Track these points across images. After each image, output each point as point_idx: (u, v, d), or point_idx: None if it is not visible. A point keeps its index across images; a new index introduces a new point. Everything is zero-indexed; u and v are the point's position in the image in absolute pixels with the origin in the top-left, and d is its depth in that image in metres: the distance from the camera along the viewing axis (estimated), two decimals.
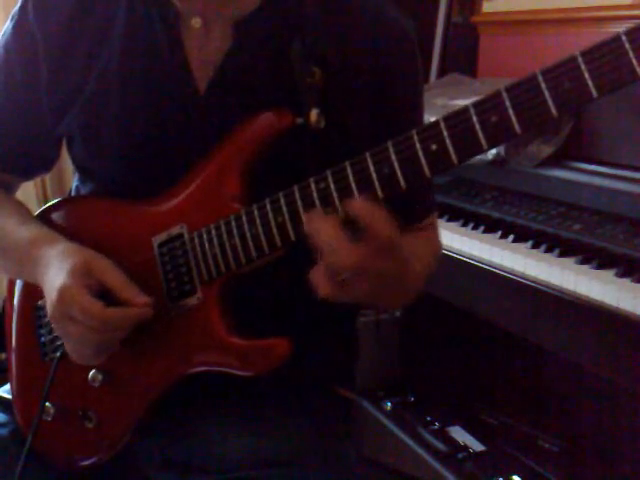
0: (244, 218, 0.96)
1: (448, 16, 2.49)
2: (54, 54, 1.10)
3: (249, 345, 0.98)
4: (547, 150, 1.76)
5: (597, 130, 1.73)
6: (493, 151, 1.79)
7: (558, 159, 1.75)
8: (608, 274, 1.44)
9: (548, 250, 1.59)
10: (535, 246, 1.63)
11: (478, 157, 1.91)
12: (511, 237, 1.69)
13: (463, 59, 2.47)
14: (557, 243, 1.61)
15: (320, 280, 0.86)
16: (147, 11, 1.07)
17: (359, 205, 0.85)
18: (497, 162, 1.81)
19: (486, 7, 2.47)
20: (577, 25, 2.06)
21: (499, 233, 1.73)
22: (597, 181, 1.62)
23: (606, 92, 0.76)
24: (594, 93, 0.76)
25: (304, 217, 0.89)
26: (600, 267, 1.47)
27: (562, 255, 1.55)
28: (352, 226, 0.85)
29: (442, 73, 2.46)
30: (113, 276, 1.00)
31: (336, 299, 0.88)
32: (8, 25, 1.15)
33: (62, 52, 1.10)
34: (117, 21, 1.08)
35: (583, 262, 1.50)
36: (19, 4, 1.14)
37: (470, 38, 2.49)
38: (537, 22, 2.24)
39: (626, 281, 1.40)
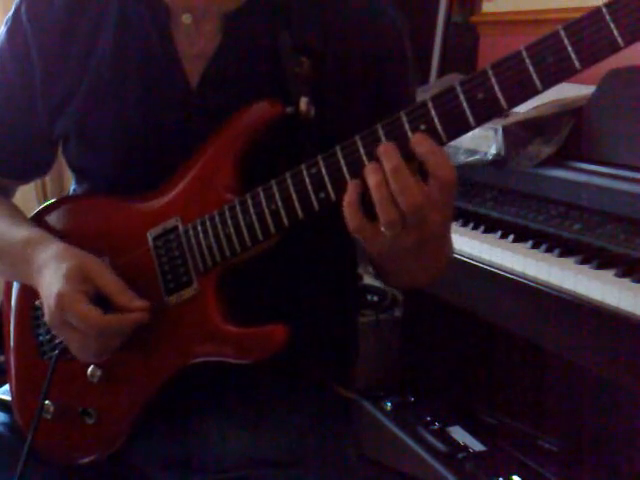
0: (238, 208, 0.97)
1: (448, 16, 2.49)
2: (48, 56, 1.11)
3: (245, 333, 0.99)
4: (547, 150, 1.76)
5: (597, 130, 1.73)
6: (493, 151, 1.79)
7: (558, 159, 1.75)
8: (608, 274, 1.44)
9: (548, 250, 1.59)
10: (535, 246, 1.62)
11: (478, 157, 1.91)
12: (511, 237, 1.69)
13: (463, 59, 2.48)
14: (557, 243, 1.61)
15: (356, 218, 0.87)
16: (138, 9, 1.08)
17: (419, 139, 0.84)
18: (497, 162, 1.81)
19: (486, 7, 2.47)
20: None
21: (499, 233, 1.73)
22: (597, 181, 1.62)
23: (590, 64, 0.78)
24: (577, 65, 0.78)
25: (366, 169, 0.86)
26: (600, 267, 1.47)
27: (562, 255, 1.55)
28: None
29: (442, 73, 2.46)
30: (109, 281, 1.00)
31: (366, 241, 0.88)
32: (2, 30, 1.16)
33: (56, 54, 1.10)
34: (109, 20, 1.09)
35: (583, 262, 1.50)
36: (12, 8, 1.15)
37: (470, 38, 2.49)
38: (537, 22, 2.24)
39: (626, 281, 1.40)
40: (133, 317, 0.99)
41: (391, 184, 0.84)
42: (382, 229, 0.87)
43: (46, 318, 1.02)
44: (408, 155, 0.85)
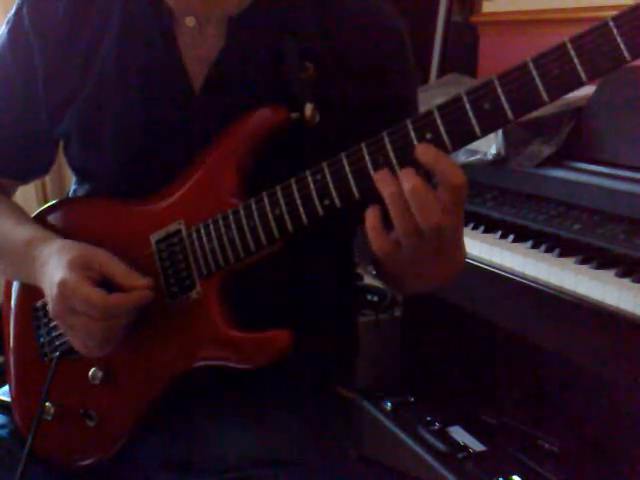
0: (242, 212, 0.96)
1: (448, 16, 2.49)
2: (50, 57, 1.11)
3: (249, 338, 0.99)
4: (547, 150, 1.76)
5: (597, 130, 1.73)
6: (493, 151, 1.79)
7: (558, 159, 1.75)
8: (608, 274, 1.44)
9: (548, 250, 1.59)
10: (535, 246, 1.62)
11: (478, 157, 1.91)
12: (511, 237, 1.69)
13: (463, 59, 2.48)
14: (557, 243, 1.60)
15: (379, 236, 0.87)
16: (142, 11, 1.08)
17: (423, 149, 0.84)
18: (497, 162, 1.81)
19: (486, 7, 2.47)
20: (577, 25, 2.06)
21: (499, 233, 1.73)
22: (597, 181, 1.62)
23: (596, 77, 0.79)
24: (584, 78, 0.78)
25: (374, 176, 0.87)
26: (600, 267, 1.47)
27: (562, 255, 1.55)
28: None
29: (442, 73, 2.46)
30: (112, 265, 1.01)
31: (386, 257, 0.88)
32: (3, 30, 1.16)
33: (58, 55, 1.10)
34: (112, 22, 1.09)
35: (583, 262, 1.50)
36: (14, 9, 1.15)
37: (470, 38, 2.49)
38: (537, 22, 2.24)
39: (626, 281, 1.40)
40: (138, 295, 0.99)
41: (410, 203, 0.84)
42: (401, 240, 0.86)
43: (49, 309, 1.02)
44: (415, 164, 0.85)
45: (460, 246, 0.99)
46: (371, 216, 0.87)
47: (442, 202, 0.85)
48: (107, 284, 0.99)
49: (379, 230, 0.87)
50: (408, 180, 0.84)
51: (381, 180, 0.86)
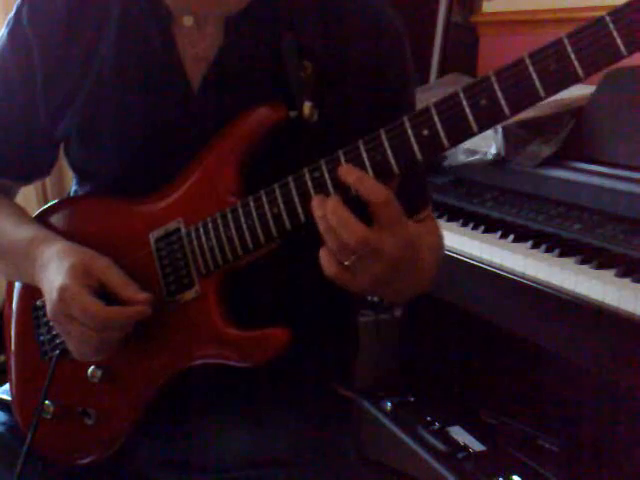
0: (240, 210, 0.97)
1: (448, 16, 2.49)
2: (50, 58, 1.11)
3: (247, 336, 0.99)
4: (547, 150, 1.76)
5: (597, 130, 1.73)
6: (493, 151, 1.80)
7: (558, 159, 1.75)
8: (608, 274, 1.44)
9: (548, 250, 1.59)
10: (535, 246, 1.62)
11: (478, 157, 1.91)
12: (511, 237, 1.69)
13: (463, 59, 2.48)
14: (557, 243, 1.61)
15: (327, 261, 0.88)
16: (140, 11, 1.08)
17: (346, 170, 0.87)
18: (497, 162, 1.82)
19: (486, 7, 2.48)
20: (576, 25, 2.06)
21: (499, 233, 1.73)
22: (597, 181, 1.62)
23: (592, 72, 0.79)
24: (580, 73, 0.78)
25: (313, 202, 0.89)
26: (600, 267, 1.47)
27: (562, 255, 1.55)
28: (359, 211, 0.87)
29: (442, 73, 2.46)
30: (112, 275, 1.01)
31: (344, 284, 0.89)
32: (3, 31, 1.17)
33: (58, 55, 1.11)
34: (110, 22, 1.09)
35: (583, 262, 1.50)
36: (14, 10, 1.15)
37: (470, 38, 2.49)
38: (537, 22, 2.25)
39: (626, 281, 1.40)
40: (136, 309, 0.99)
41: (331, 222, 0.86)
42: (339, 257, 0.87)
43: (48, 312, 1.02)
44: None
45: (422, 260, 0.97)
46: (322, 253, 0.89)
47: (375, 222, 0.86)
48: (106, 293, 1.00)
49: (327, 254, 0.88)
50: (328, 203, 0.87)
51: (315, 205, 0.88)
